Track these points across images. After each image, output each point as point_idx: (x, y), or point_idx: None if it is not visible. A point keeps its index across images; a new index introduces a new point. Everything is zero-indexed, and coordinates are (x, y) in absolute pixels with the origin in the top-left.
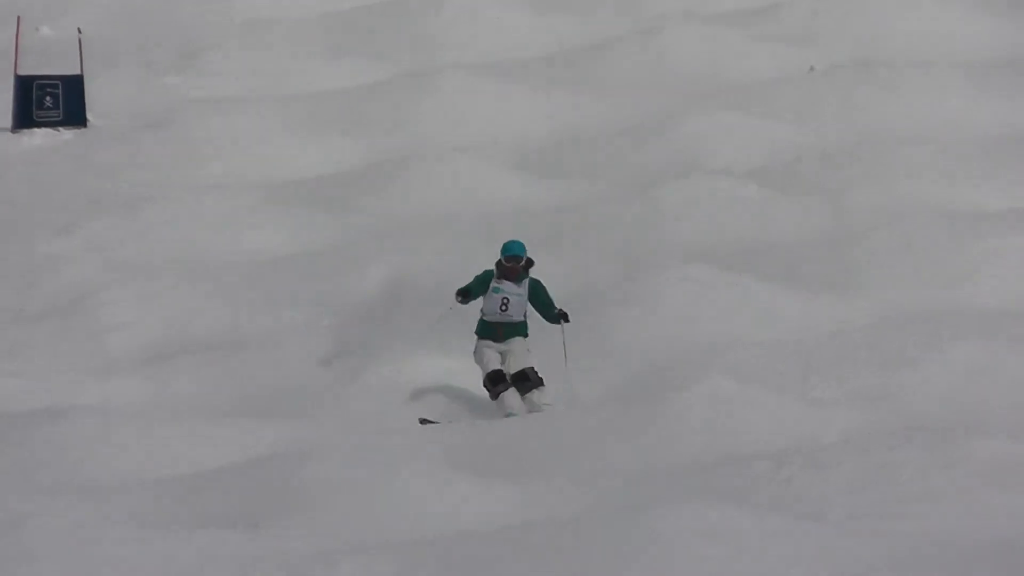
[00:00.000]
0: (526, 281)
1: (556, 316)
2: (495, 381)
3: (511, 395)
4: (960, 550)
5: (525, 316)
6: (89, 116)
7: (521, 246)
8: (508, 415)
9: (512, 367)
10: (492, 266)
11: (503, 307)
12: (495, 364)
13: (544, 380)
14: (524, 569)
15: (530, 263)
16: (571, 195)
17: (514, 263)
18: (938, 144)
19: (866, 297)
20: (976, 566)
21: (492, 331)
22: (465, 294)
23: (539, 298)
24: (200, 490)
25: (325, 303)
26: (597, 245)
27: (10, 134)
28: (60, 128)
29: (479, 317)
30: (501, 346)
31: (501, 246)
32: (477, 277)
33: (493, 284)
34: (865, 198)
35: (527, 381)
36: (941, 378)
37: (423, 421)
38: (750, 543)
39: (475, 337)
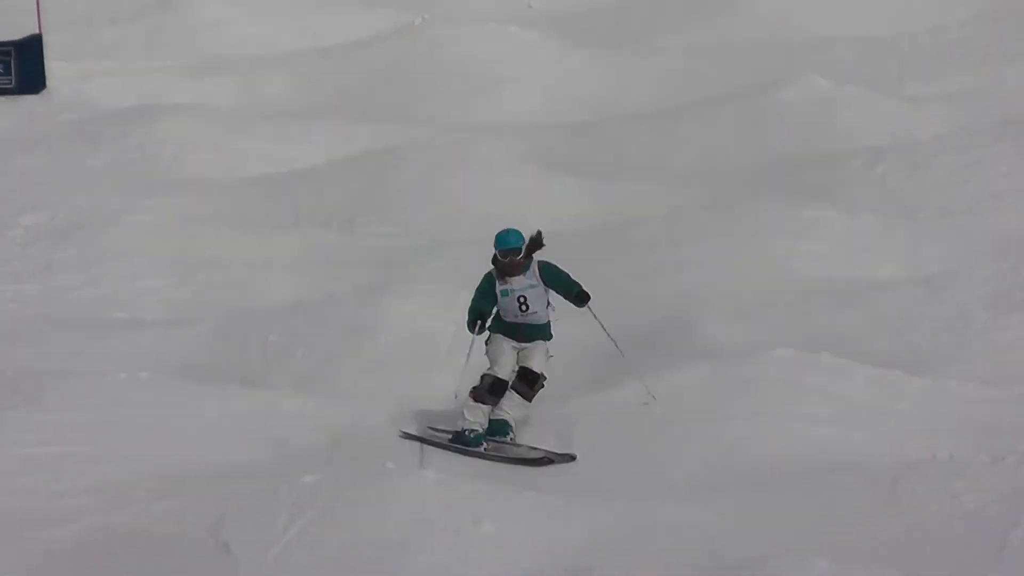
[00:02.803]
0: (533, 267)
1: (577, 297)
2: (492, 391)
3: (483, 411)
4: None
5: (549, 305)
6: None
7: (518, 235)
8: (463, 428)
9: (524, 363)
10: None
11: (523, 307)
12: (504, 370)
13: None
14: (616, 262)
15: (535, 246)
16: None
17: (512, 256)
18: None
19: None
20: None
21: (513, 329)
22: (478, 322)
23: (556, 280)
24: (294, 189)
25: (418, 6)
26: None
27: None
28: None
29: (495, 313)
30: (520, 345)
31: (494, 238)
32: (479, 288)
33: (500, 288)
34: None
35: (528, 386)
36: None
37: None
38: (842, 240)
39: (488, 333)
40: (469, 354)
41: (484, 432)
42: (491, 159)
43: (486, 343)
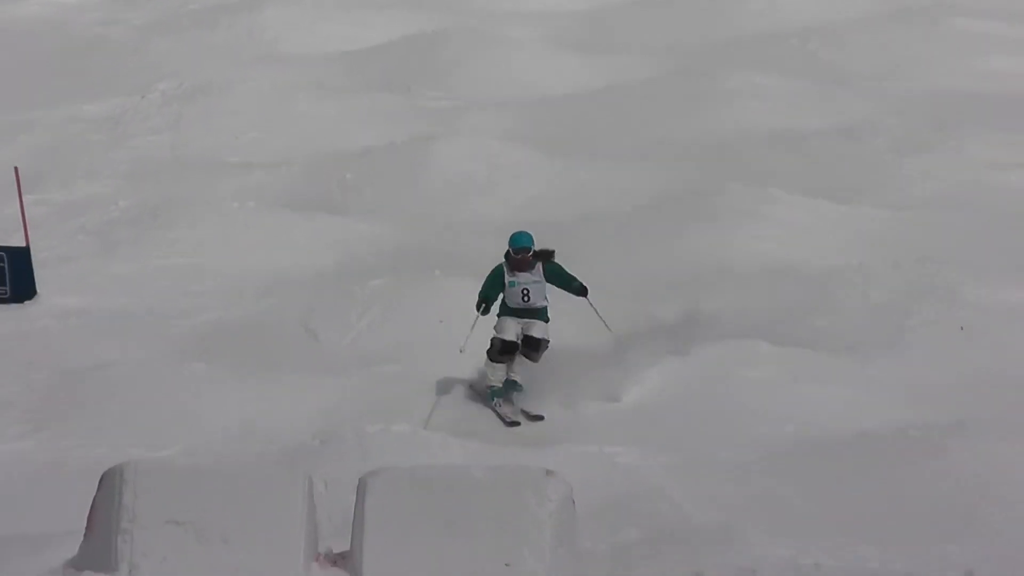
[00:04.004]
0: (538, 266)
1: (577, 289)
2: (503, 351)
3: (501, 369)
4: (953, 95)
5: (546, 299)
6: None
7: (529, 237)
8: (491, 387)
9: (527, 332)
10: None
11: (524, 298)
12: (510, 335)
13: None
14: (611, 118)
15: (546, 256)
16: None
17: (523, 254)
18: None
19: None
20: (949, 110)
21: (516, 313)
22: (484, 303)
23: (557, 277)
24: (365, 63)
25: None
26: None
27: None
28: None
29: (501, 301)
30: (523, 322)
31: (509, 237)
32: (490, 277)
33: (508, 278)
34: None
35: (533, 349)
36: None
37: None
38: (784, 98)
39: (496, 318)
40: (471, 331)
41: (501, 388)
42: (516, 39)
43: (494, 328)
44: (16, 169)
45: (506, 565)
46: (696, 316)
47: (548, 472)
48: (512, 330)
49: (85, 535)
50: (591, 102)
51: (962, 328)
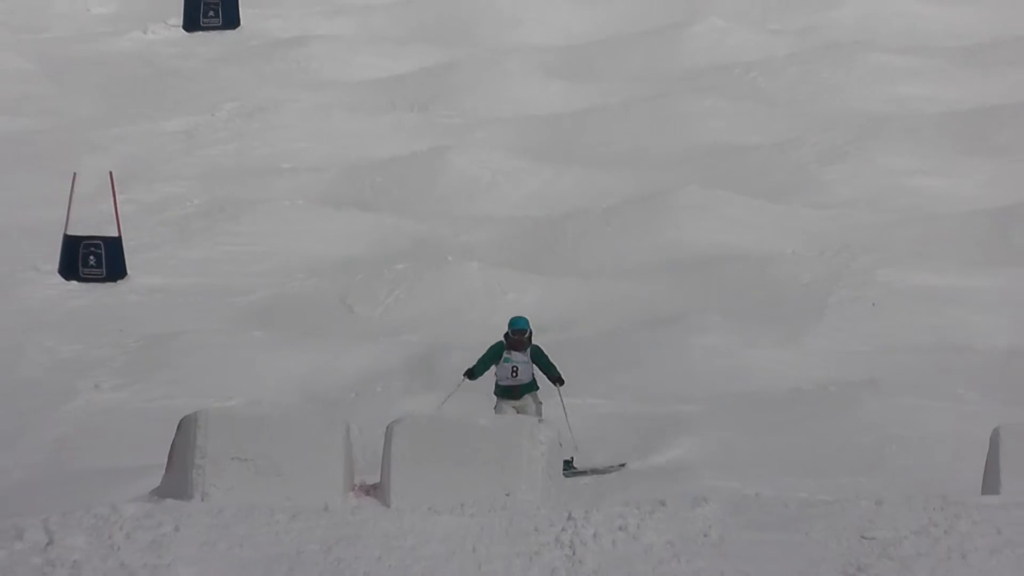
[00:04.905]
0: (529, 349)
1: (553, 380)
2: None
3: None
4: (867, 116)
5: (533, 376)
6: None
7: (526, 321)
8: None
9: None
10: (502, 336)
11: (513, 374)
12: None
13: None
14: (591, 133)
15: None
16: None
17: (519, 336)
18: None
19: None
20: (864, 127)
21: (508, 392)
22: (471, 374)
23: (540, 361)
24: (391, 87)
25: None
26: None
27: None
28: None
29: (495, 382)
30: (517, 403)
31: (508, 320)
32: (489, 350)
33: (504, 355)
34: None
35: None
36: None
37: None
38: (730, 118)
39: (494, 398)
40: (453, 390)
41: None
42: (514, 69)
43: (494, 408)
44: (111, 173)
45: (506, 495)
46: (660, 294)
47: (540, 420)
48: (511, 415)
49: (166, 469)
50: (575, 120)
51: (874, 304)
